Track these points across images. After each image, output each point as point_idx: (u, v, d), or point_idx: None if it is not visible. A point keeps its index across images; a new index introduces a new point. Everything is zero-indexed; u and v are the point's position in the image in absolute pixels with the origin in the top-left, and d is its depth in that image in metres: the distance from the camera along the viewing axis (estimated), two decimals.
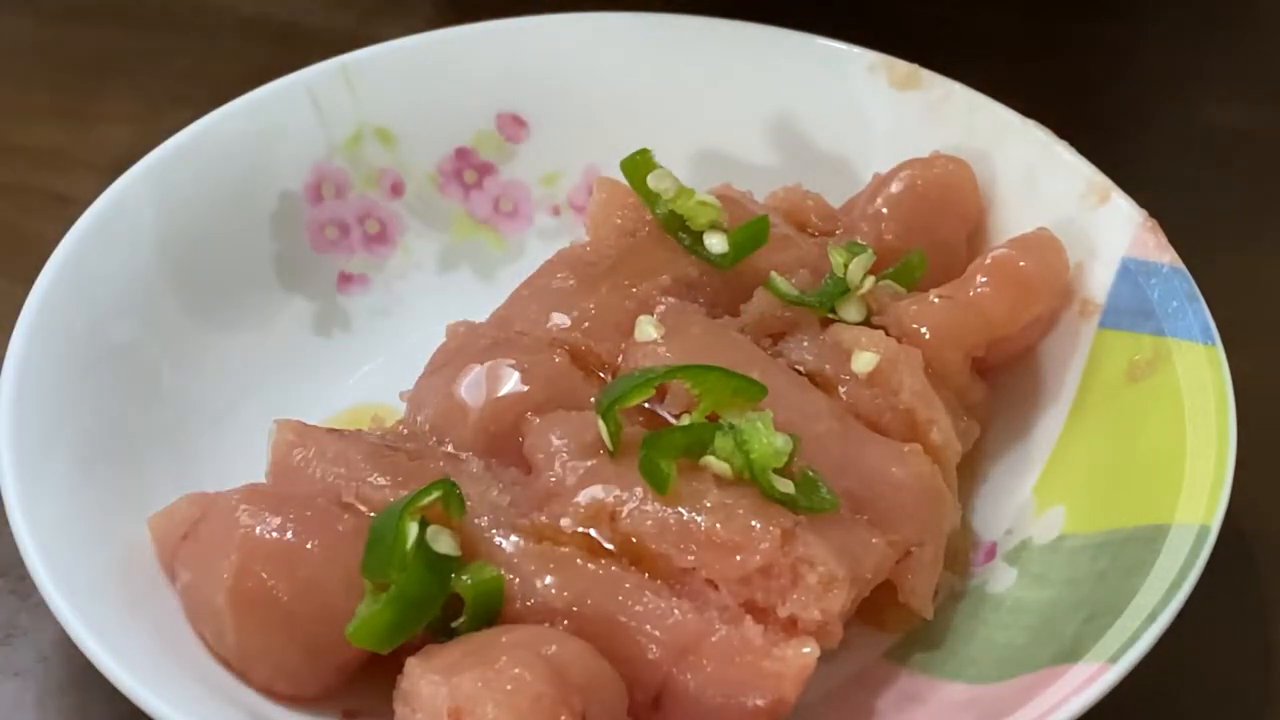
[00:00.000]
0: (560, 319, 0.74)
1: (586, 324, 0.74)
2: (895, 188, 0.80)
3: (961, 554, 0.74)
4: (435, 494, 0.66)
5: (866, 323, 0.75)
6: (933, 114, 0.83)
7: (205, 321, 0.80)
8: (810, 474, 0.68)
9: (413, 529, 0.65)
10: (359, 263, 0.86)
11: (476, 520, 0.68)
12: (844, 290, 0.75)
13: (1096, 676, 0.63)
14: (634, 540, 0.67)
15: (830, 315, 0.75)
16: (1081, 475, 0.74)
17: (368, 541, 0.66)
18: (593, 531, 0.67)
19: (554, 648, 0.63)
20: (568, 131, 0.87)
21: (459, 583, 0.66)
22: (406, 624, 0.65)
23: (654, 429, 0.69)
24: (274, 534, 0.66)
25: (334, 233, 0.85)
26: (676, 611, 0.65)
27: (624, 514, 0.67)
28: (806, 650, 0.64)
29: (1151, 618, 0.64)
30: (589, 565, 0.66)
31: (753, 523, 0.66)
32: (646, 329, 0.72)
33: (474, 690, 0.61)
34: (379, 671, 0.66)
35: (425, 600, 0.65)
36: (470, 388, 0.71)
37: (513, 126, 0.87)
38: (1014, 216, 0.80)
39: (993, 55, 0.98)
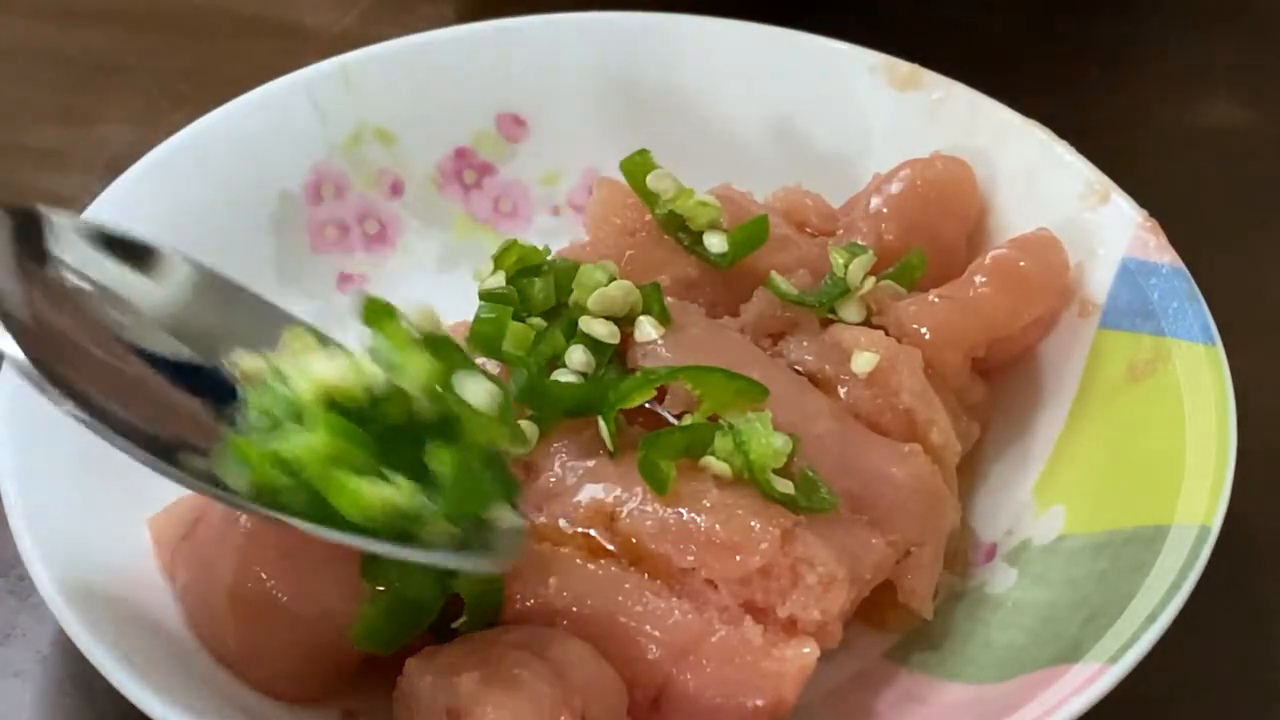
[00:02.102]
0: None
1: None
2: (895, 188, 0.80)
3: (961, 554, 0.74)
4: None
5: (866, 323, 0.75)
6: (933, 114, 0.83)
7: None
8: (810, 474, 0.68)
9: None
10: (359, 263, 0.86)
11: None
12: (844, 291, 0.75)
13: (1096, 677, 0.63)
14: (634, 540, 0.67)
15: (830, 315, 0.75)
16: (1081, 475, 0.74)
17: None
18: (593, 532, 0.67)
19: (554, 648, 0.64)
20: (568, 131, 0.87)
21: (459, 583, 0.66)
22: (407, 626, 0.65)
23: (654, 429, 0.69)
24: (274, 534, 0.66)
25: (334, 233, 0.85)
26: (676, 612, 0.65)
27: (624, 514, 0.67)
28: (806, 650, 0.65)
29: (1151, 618, 0.64)
30: (589, 565, 0.66)
31: (752, 523, 0.66)
32: (646, 329, 0.71)
33: (473, 690, 0.61)
34: (379, 672, 0.66)
35: (425, 603, 0.65)
36: None
37: (513, 126, 0.87)
38: (1014, 216, 0.80)
39: (993, 55, 0.98)
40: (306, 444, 0.60)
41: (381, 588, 0.65)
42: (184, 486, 0.62)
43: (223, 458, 0.61)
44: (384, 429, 0.62)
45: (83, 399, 0.61)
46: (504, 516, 0.63)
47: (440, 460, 0.61)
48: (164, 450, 0.62)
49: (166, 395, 0.64)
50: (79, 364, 0.62)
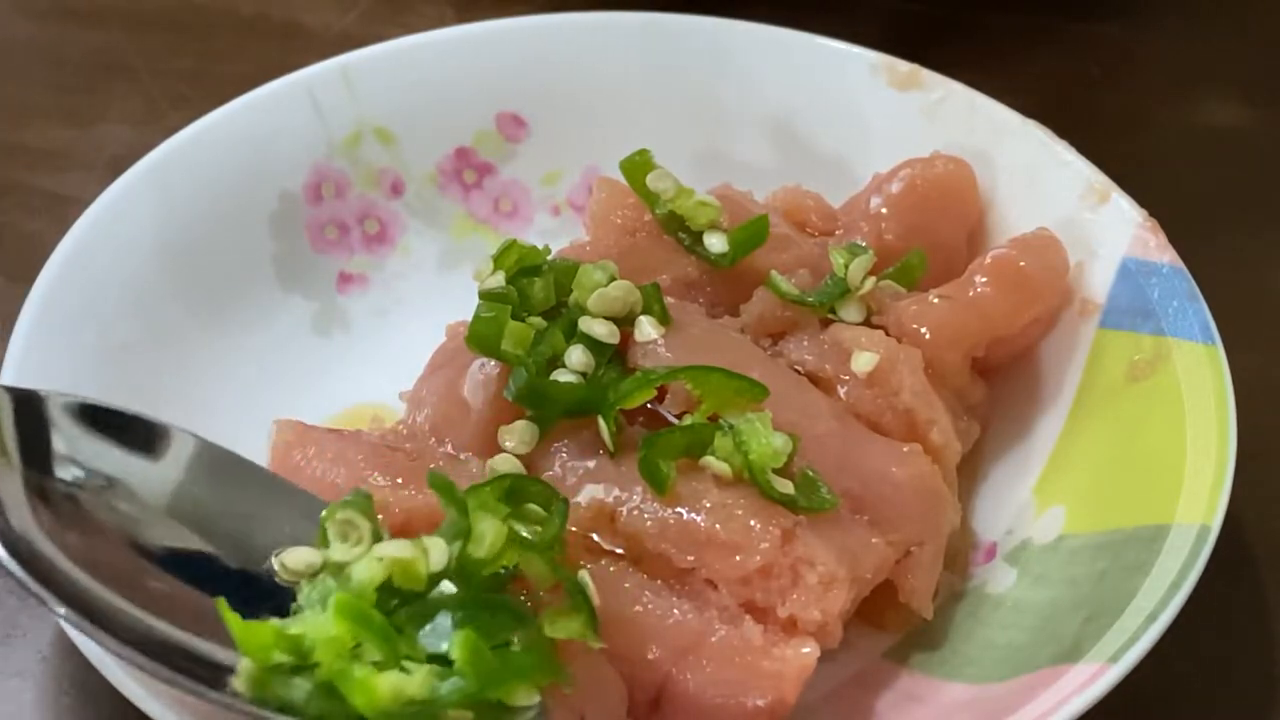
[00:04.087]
0: None
1: None
2: (895, 188, 0.80)
3: (961, 554, 0.74)
4: None
5: (866, 323, 0.75)
6: (933, 114, 0.83)
7: (205, 321, 0.80)
8: (810, 474, 0.68)
9: None
10: (359, 263, 0.86)
11: None
12: (844, 291, 0.75)
13: (1097, 676, 0.63)
14: (634, 540, 0.67)
15: (830, 315, 0.75)
16: (1081, 475, 0.74)
17: None
18: (593, 534, 0.67)
19: None
20: (568, 131, 0.87)
21: None
22: None
23: (654, 429, 0.69)
24: None
25: (334, 233, 0.85)
26: (676, 611, 0.65)
27: (624, 514, 0.67)
28: (806, 650, 0.65)
29: (1151, 618, 0.64)
30: (589, 566, 0.66)
31: (752, 523, 0.66)
32: (646, 329, 0.71)
33: None
34: None
35: None
36: (470, 388, 0.71)
37: (513, 126, 0.87)
38: (1014, 216, 0.80)
39: (993, 55, 0.99)
40: (321, 630, 0.58)
41: None
42: (184, 693, 0.59)
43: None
44: (409, 602, 0.60)
45: (80, 602, 0.58)
46: (522, 696, 0.60)
47: (459, 646, 0.59)
48: (164, 653, 0.59)
49: (171, 588, 0.61)
50: (80, 560, 0.59)
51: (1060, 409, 0.77)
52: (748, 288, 0.75)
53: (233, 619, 0.58)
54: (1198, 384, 0.72)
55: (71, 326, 0.75)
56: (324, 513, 0.62)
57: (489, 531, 0.61)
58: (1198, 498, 0.68)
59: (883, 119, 0.84)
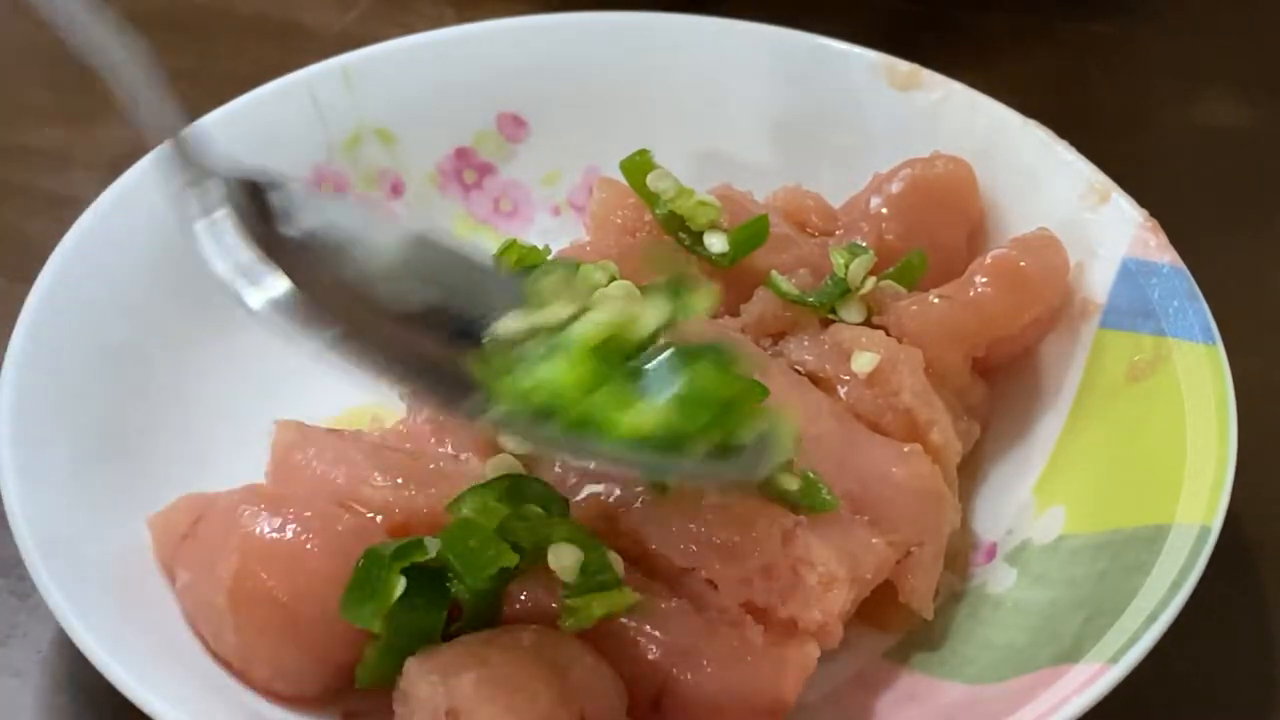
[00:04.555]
0: None
1: None
2: (895, 188, 0.80)
3: (961, 554, 0.74)
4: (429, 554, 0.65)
5: (867, 323, 0.75)
6: (933, 114, 0.83)
7: (205, 321, 0.80)
8: (810, 474, 0.68)
9: (400, 582, 0.64)
10: None
11: None
12: (844, 291, 0.75)
13: (1097, 677, 0.63)
14: (634, 540, 0.67)
15: (830, 315, 0.75)
16: (1082, 475, 0.74)
17: (352, 581, 0.65)
18: (593, 534, 0.67)
19: (553, 648, 0.63)
20: (568, 131, 0.87)
21: (458, 590, 0.65)
22: (406, 658, 0.65)
23: None
24: (274, 534, 0.66)
25: None
26: (676, 612, 0.65)
27: (624, 514, 0.67)
28: (806, 650, 0.65)
29: (1152, 618, 0.64)
30: None
31: (752, 523, 0.66)
32: None
33: (472, 691, 0.61)
34: None
35: (419, 638, 0.65)
36: None
37: (513, 126, 0.87)
38: (1014, 216, 0.80)
39: (993, 55, 0.99)
40: (563, 373, 0.59)
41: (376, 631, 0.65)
42: (457, 420, 0.61)
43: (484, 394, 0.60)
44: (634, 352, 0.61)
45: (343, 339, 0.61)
46: (753, 431, 0.62)
47: (698, 374, 0.60)
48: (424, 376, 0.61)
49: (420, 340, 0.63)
50: (332, 311, 0.62)
51: (1060, 409, 0.77)
52: (748, 288, 0.76)
53: (485, 365, 0.59)
54: (1198, 384, 0.72)
55: (71, 326, 0.75)
56: (529, 280, 0.64)
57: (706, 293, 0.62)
58: (1198, 498, 0.68)
59: (883, 119, 0.84)
